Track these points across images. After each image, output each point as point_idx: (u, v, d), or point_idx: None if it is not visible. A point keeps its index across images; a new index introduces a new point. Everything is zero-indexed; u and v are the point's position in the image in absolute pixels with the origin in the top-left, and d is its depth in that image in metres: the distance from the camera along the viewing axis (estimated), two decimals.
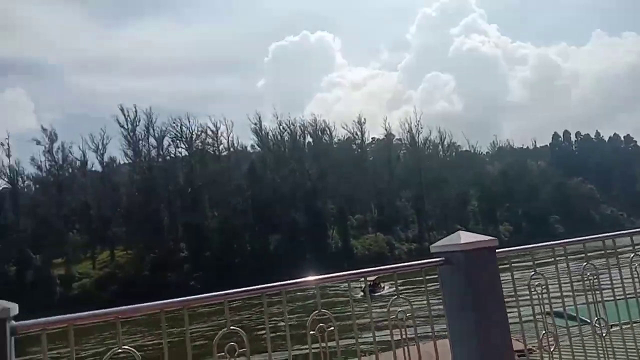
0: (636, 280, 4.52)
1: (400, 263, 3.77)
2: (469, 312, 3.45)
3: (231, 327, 2.95)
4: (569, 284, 4.20)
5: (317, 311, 3.24)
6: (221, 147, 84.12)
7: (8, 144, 72.80)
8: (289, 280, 3.26)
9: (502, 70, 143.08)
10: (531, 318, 3.98)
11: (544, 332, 3.90)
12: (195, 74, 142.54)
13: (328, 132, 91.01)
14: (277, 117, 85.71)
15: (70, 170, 77.08)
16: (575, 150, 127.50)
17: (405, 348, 3.48)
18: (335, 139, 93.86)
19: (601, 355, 4.17)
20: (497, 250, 3.65)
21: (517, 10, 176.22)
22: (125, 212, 74.04)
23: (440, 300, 3.71)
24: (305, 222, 76.57)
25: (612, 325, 4.33)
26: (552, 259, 4.20)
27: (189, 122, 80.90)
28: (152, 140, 78.87)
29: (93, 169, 79.59)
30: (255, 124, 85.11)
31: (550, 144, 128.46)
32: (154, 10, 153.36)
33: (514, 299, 3.84)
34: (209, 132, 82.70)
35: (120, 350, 2.68)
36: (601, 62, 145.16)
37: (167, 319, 2.92)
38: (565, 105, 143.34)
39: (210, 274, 63.85)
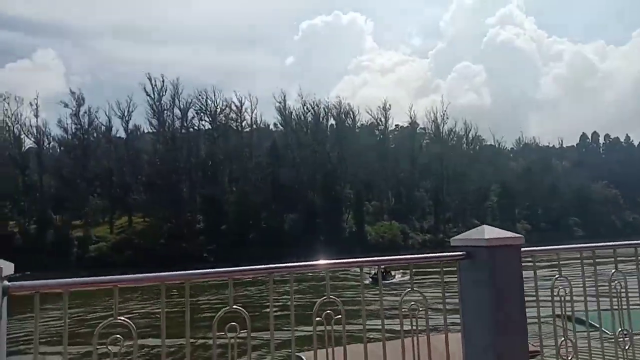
0: None
1: (413, 253, 3.64)
2: (487, 310, 3.33)
3: (234, 307, 2.87)
4: (592, 289, 4.00)
5: (325, 297, 3.13)
6: (244, 123, 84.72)
7: (37, 104, 74.34)
8: (300, 261, 3.17)
9: (535, 65, 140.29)
10: (549, 320, 3.82)
11: (562, 338, 3.75)
12: (225, 48, 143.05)
13: (352, 116, 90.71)
14: (302, 97, 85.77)
15: (95, 134, 78.33)
16: (602, 152, 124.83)
17: (414, 338, 3.39)
18: (358, 124, 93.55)
19: None
20: (522, 249, 3.50)
21: (556, 3, 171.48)
22: (146, 180, 75.14)
23: (452, 294, 3.60)
24: (322, 204, 76.80)
25: (635, 334, 4.14)
26: (578, 262, 4.00)
27: (214, 95, 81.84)
28: (176, 111, 79.78)
29: (117, 135, 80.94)
30: (280, 102, 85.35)
31: (577, 144, 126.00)
32: None
33: (533, 298, 3.68)
34: (233, 107, 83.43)
35: (125, 312, 2.61)
36: (639, 63, 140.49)
37: (179, 288, 2.89)
38: (597, 106, 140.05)
39: (225, 247, 64.76)
